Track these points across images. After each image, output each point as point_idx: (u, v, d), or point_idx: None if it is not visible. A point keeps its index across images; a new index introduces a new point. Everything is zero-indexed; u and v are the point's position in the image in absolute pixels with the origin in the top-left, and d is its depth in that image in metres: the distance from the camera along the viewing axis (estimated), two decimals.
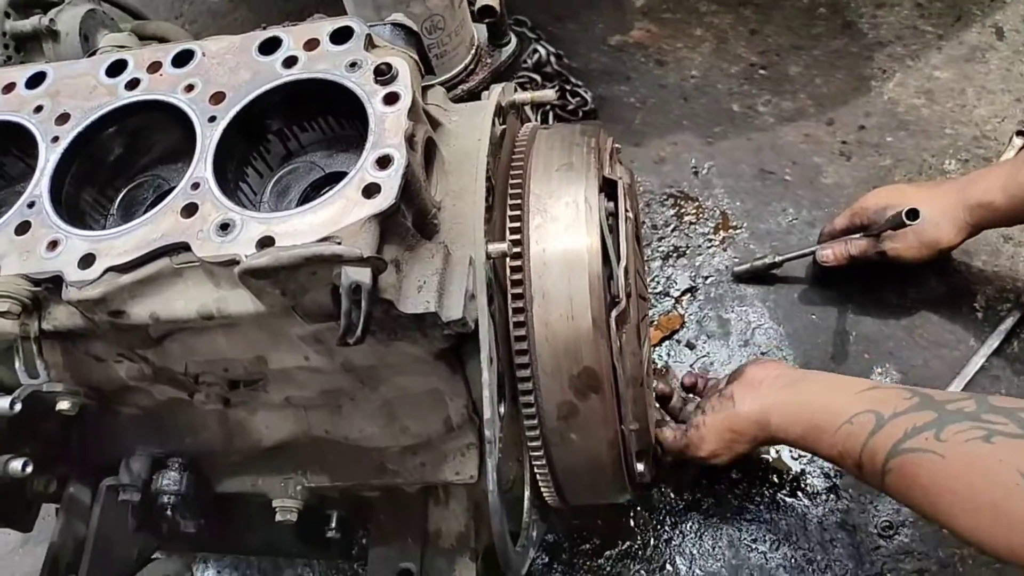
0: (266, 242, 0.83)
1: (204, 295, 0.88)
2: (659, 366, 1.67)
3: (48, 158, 0.96)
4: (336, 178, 1.00)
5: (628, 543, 1.53)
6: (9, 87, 1.03)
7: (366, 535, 1.69)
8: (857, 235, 1.55)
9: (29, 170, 1.09)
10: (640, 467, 1.12)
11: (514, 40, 1.45)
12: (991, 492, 0.85)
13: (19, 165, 1.09)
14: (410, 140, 0.87)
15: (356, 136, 1.03)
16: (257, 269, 0.79)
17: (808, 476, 1.49)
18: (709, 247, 1.80)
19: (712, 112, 1.98)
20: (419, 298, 0.87)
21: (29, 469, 0.95)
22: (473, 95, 1.39)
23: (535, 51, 2.07)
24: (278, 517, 1.19)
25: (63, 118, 0.99)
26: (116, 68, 1.01)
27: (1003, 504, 0.84)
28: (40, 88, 1.02)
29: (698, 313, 1.73)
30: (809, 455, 1.51)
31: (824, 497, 1.48)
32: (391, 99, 0.89)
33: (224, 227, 0.85)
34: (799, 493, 1.48)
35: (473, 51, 1.41)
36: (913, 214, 1.36)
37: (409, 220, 0.89)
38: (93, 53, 1.09)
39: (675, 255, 1.81)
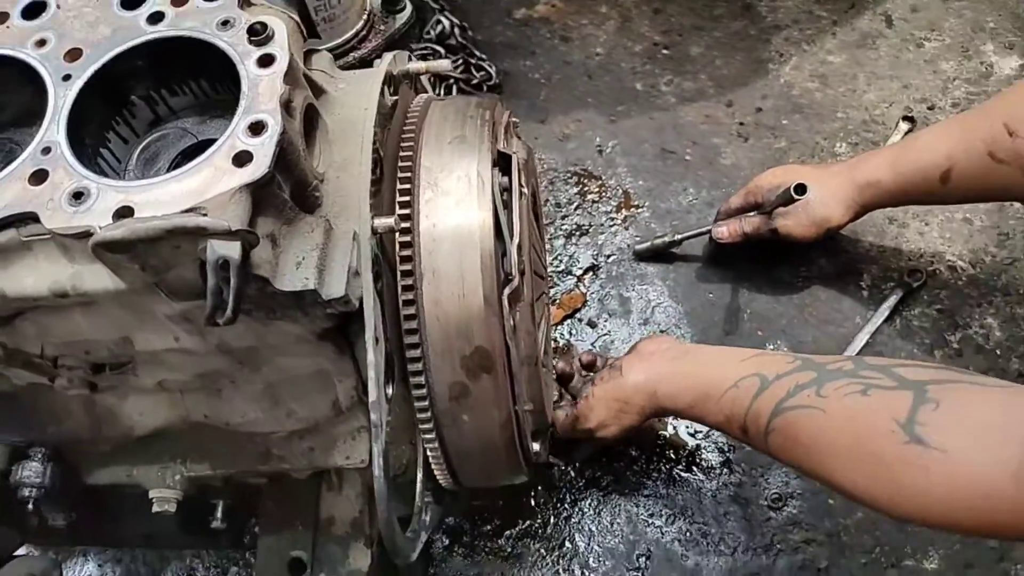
0: (124, 212, 0.76)
1: (57, 271, 0.80)
2: (561, 345, 1.66)
3: None
4: (210, 145, 0.94)
5: (528, 522, 1.53)
6: None
7: (257, 523, 1.64)
8: (751, 213, 1.57)
9: None
10: (536, 447, 1.11)
11: (409, 7, 1.40)
12: (869, 442, 0.87)
13: None
14: (287, 106, 0.82)
15: (231, 101, 0.96)
16: (112, 242, 0.72)
17: (703, 451, 1.52)
18: (611, 226, 1.80)
19: (616, 90, 1.98)
20: (297, 275, 0.82)
21: None
22: (365, 63, 1.34)
23: (439, 22, 2.02)
24: (155, 508, 1.11)
25: None
26: None
27: (881, 452, 0.86)
28: None
29: (600, 292, 1.73)
30: (704, 431, 1.53)
31: (718, 471, 1.51)
32: (266, 61, 0.83)
33: (77, 196, 0.78)
34: (694, 468, 1.51)
35: (365, 17, 1.35)
36: (801, 189, 1.40)
37: (287, 192, 0.83)
38: None
39: (578, 233, 1.80)
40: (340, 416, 1.08)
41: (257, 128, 0.79)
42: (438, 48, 1.97)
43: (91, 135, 0.88)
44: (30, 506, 1.06)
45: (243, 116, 0.80)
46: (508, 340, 0.97)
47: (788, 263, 1.66)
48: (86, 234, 0.76)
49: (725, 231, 1.60)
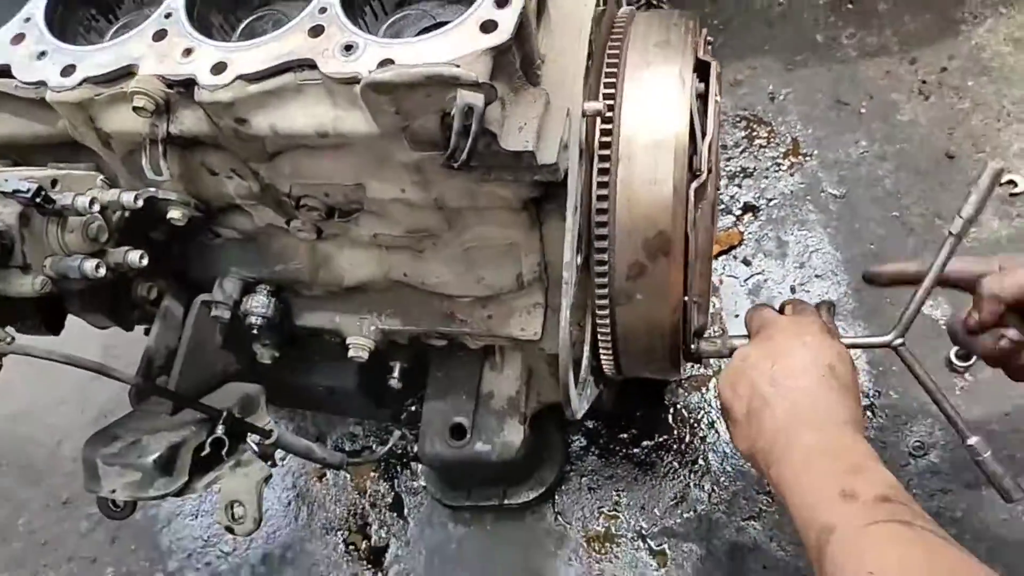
0: (386, 63, 0.89)
1: (322, 113, 0.95)
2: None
3: None
4: (442, 26, 1.06)
5: (664, 436, 1.61)
6: None
7: (415, 402, 1.81)
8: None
9: None
10: (695, 346, 1.19)
11: None
12: None
13: None
14: None
15: None
16: (380, 83, 0.85)
17: None
18: (776, 171, 1.83)
19: (795, 40, 1.98)
20: (519, 137, 0.93)
21: (144, 261, 1.04)
22: None
23: None
24: (351, 353, 1.28)
25: None
26: None
27: None
28: None
29: (757, 232, 1.77)
30: None
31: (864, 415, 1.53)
32: None
33: (348, 48, 0.92)
34: None
35: None
36: None
37: (517, 62, 0.94)
38: None
39: (741, 175, 1.84)
40: (521, 290, 1.20)
41: (502, 2, 0.90)
42: None
43: (351, 9, 1.01)
44: (254, 332, 1.24)
45: None
46: (689, 230, 1.05)
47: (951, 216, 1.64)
48: (354, 80, 0.90)
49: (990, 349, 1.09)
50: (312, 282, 1.23)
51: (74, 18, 1.12)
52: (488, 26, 0.89)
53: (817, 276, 1.69)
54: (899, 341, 1.12)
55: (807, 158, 1.83)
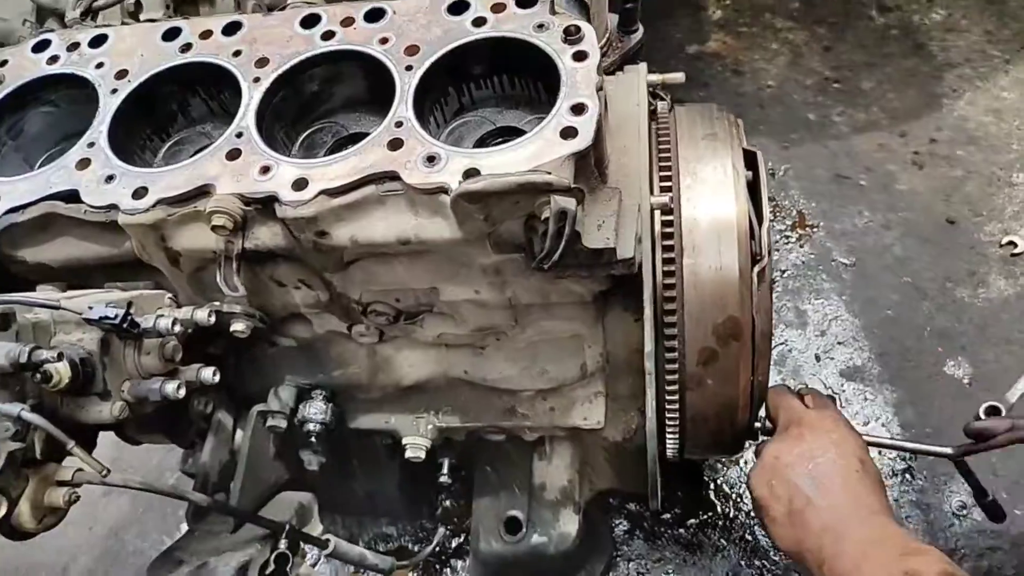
0: (471, 173, 0.91)
1: (403, 222, 0.96)
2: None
3: (252, 95, 1.05)
4: (507, 132, 1.10)
5: (709, 514, 1.61)
6: (206, 34, 1.13)
7: (448, 498, 1.77)
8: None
9: (209, 112, 1.19)
10: (757, 424, 1.20)
11: (641, 29, 1.56)
12: None
13: (202, 108, 1.18)
14: (599, 91, 0.97)
15: (525, 96, 1.13)
16: (474, 192, 0.88)
17: (885, 456, 1.57)
18: (786, 243, 1.89)
19: (788, 120, 2.09)
20: (599, 235, 0.95)
21: (217, 377, 1.03)
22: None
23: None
24: (408, 454, 1.26)
25: (262, 61, 1.08)
26: (310, 21, 1.11)
27: None
28: (236, 36, 1.12)
29: (776, 303, 1.81)
30: (887, 438, 1.58)
31: (899, 478, 1.56)
32: (580, 56, 0.98)
33: (431, 159, 0.94)
34: None
35: (606, 36, 1.52)
36: None
37: (591, 164, 0.98)
38: (284, 7, 1.18)
39: None
40: (583, 380, 1.21)
41: (579, 109, 0.94)
42: None
43: (423, 116, 1.04)
44: (312, 438, 1.22)
45: (565, 99, 0.95)
46: (754, 313, 1.08)
47: (967, 283, 1.71)
48: (440, 190, 0.92)
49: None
50: (370, 385, 1.23)
51: (130, 139, 1.13)
52: (568, 132, 0.93)
53: (839, 343, 1.74)
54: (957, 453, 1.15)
55: (814, 229, 1.90)
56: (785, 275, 1.85)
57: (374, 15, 1.09)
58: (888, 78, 2.11)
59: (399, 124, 0.98)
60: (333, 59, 1.08)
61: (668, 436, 1.20)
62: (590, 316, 1.12)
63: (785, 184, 1.98)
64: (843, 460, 1.03)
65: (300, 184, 0.96)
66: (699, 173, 1.12)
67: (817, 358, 1.73)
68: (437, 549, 1.69)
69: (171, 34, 1.15)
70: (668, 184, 1.11)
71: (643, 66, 1.22)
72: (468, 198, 0.88)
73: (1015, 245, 1.75)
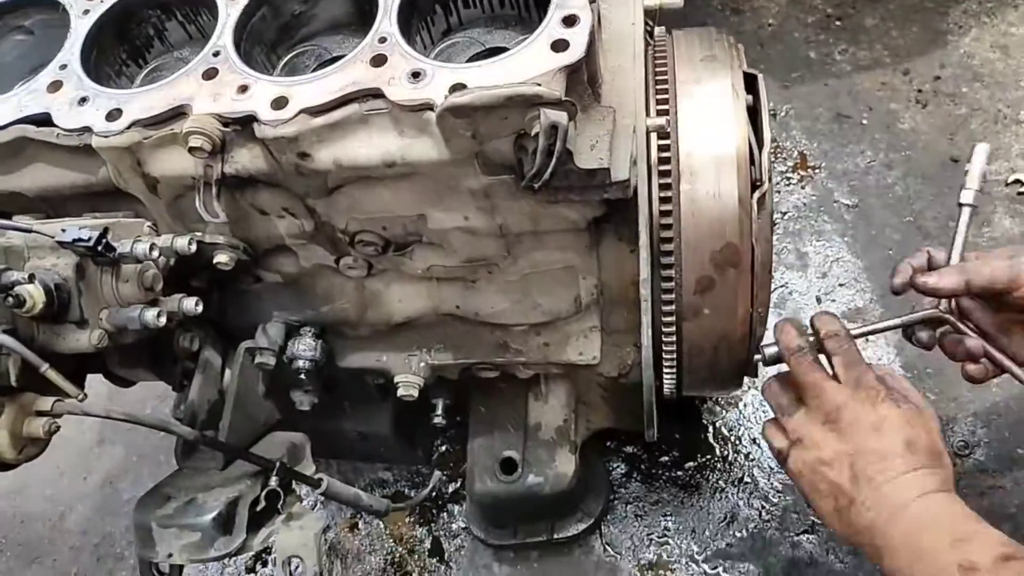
0: (458, 88, 0.87)
1: (388, 143, 0.92)
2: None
3: (229, 13, 1.01)
4: (495, 52, 1.05)
5: (707, 456, 1.59)
6: None
7: (445, 442, 1.76)
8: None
9: (188, 38, 1.15)
10: (757, 356, 1.17)
11: None
12: None
13: (180, 32, 1.13)
14: (592, 3, 0.92)
15: (513, 16, 1.08)
16: (460, 106, 0.84)
17: None
18: (788, 185, 1.85)
19: (788, 59, 2.03)
20: (592, 155, 0.91)
21: (200, 308, 1.00)
22: None
23: None
24: (400, 392, 1.24)
25: None
26: None
27: None
28: None
29: (776, 245, 1.77)
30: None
31: None
32: None
33: (416, 75, 0.90)
34: None
35: None
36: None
37: (585, 80, 0.93)
38: None
39: None
40: (577, 314, 1.17)
41: (571, 20, 0.89)
42: None
43: (410, 33, 1.00)
44: (301, 376, 1.20)
45: (556, 10, 0.90)
46: (754, 241, 1.05)
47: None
48: (426, 106, 0.88)
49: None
50: (359, 321, 1.20)
51: (105, 63, 1.08)
52: (559, 45, 0.88)
53: (841, 285, 1.70)
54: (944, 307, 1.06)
55: (816, 171, 1.86)
56: (786, 217, 1.81)
57: None
58: (891, 14, 2.05)
59: (382, 40, 0.94)
60: None
61: (665, 371, 1.17)
62: (583, 245, 1.08)
63: (786, 125, 1.93)
64: (888, 448, 0.94)
65: (280, 103, 0.91)
66: (697, 96, 1.07)
67: (818, 300, 1.70)
68: (433, 494, 1.68)
69: None
70: (665, 107, 1.07)
71: None
72: (455, 112, 0.84)
73: (1021, 183, 1.71)
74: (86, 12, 1.06)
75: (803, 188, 1.83)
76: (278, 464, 1.11)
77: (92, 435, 1.96)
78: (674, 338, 1.11)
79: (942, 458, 0.95)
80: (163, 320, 0.92)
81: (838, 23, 2.07)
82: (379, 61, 0.92)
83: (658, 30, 1.23)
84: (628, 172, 0.93)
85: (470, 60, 1.06)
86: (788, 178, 1.86)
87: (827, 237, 1.76)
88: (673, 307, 1.08)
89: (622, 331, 1.20)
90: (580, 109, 0.94)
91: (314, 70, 1.09)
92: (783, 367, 1.02)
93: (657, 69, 1.10)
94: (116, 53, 1.10)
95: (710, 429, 1.61)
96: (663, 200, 1.04)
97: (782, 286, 1.73)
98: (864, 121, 1.89)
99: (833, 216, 1.78)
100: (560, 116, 0.83)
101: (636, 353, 1.21)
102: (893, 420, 0.95)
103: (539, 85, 0.84)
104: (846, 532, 0.96)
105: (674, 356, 1.13)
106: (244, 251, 1.07)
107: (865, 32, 2.04)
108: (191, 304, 0.99)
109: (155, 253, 0.90)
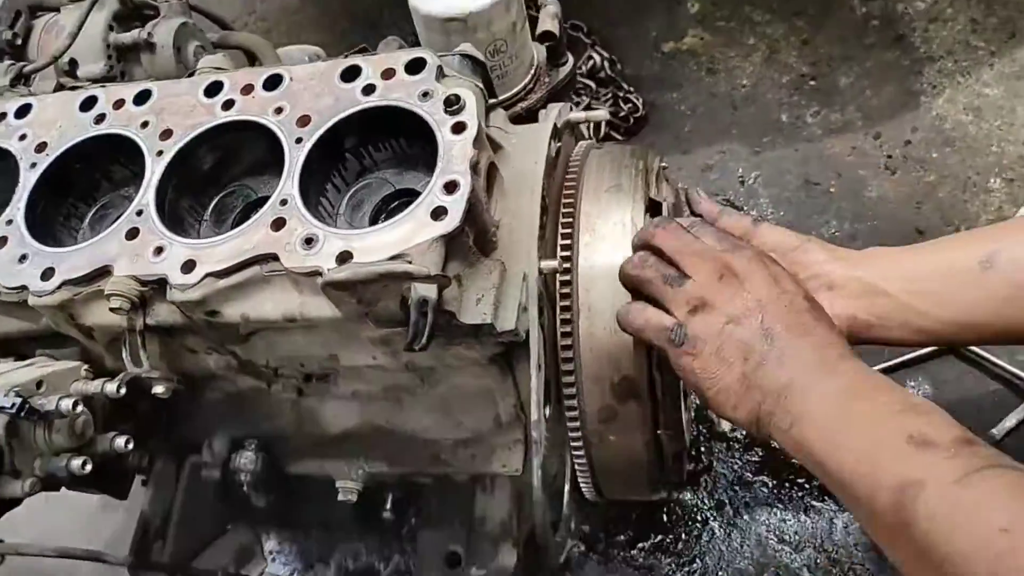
0: (345, 256, 0.93)
1: (289, 300, 0.99)
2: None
3: (154, 170, 1.08)
4: (406, 194, 1.11)
5: (660, 536, 1.62)
6: (119, 103, 1.16)
7: (416, 517, 1.83)
8: None
9: (132, 176, 1.23)
10: (673, 471, 1.21)
11: (571, 60, 1.53)
12: None
13: (123, 171, 1.22)
14: (474, 167, 0.97)
15: (424, 156, 1.13)
16: (338, 282, 0.89)
17: None
18: None
19: (760, 122, 2.03)
20: (477, 310, 0.97)
21: (130, 446, 1.08)
22: (531, 112, 1.48)
23: (590, 57, 2.15)
24: (340, 497, 1.30)
25: (167, 134, 1.10)
26: (213, 89, 1.12)
27: None
28: (146, 105, 1.14)
29: None
30: None
31: None
32: (458, 128, 0.99)
33: (309, 241, 0.96)
34: (827, 497, 1.55)
35: (533, 71, 1.50)
36: None
37: (471, 239, 0.98)
38: (192, 73, 1.21)
39: None
40: (500, 429, 1.23)
41: (451, 187, 0.94)
42: (589, 83, 2.11)
43: (314, 187, 1.06)
44: (244, 488, 1.28)
45: (440, 176, 0.96)
46: (654, 371, 1.08)
47: None
48: (315, 273, 0.94)
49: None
50: (298, 435, 1.27)
51: (55, 211, 1.17)
52: (439, 212, 0.93)
53: None
54: None
55: None
56: None
57: (272, 82, 1.11)
58: (866, 73, 2.03)
59: (284, 202, 1.00)
60: (230, 130, 1.10)
61: (582, 484, 1.22)
62: (496, 373, 1.13)
63: (754, 192, 1.94)
64: (791, 299, 0.87)
65: (188, 266, 0.99)
66: (598, 229, 1.11)
67: None
68: (402, 570, 1.75)
69: (87, 104, 1.17)
70: (568, 242, 1.11)
71: (553, 111, 1.21)
72: (334, 286, 0.90)
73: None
74: (33, 166, 1.15)
75: None
76: (220, 574, 1.20)
77: (95, 500, 2.08)
78: (584, 460, 1.15)
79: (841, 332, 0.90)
80: (88, 467, 1.00)
81: (812, 83, 2.07)
82: (279, 225, 0.98)
83: (580, 148, 1.27)
84: (514, 322, 0.98)
85: (381, 201, 1.12)
86: None
87: None
88: (580, 433, 1.13)
89: (547, 443, 1.24)
90: (468, 265, 0.99)
91: (241, 210, 1.18)
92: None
93: (565, 201, 1.14)
94: (63, 200, 1.18)
95: (665, 508, 1.65)
96: (564, 335, 1.09)
97: None
98: (832, 188, 1.89)
99: None
100: (430, 290, 0.89)
101: (560, 463, 1.26)
102: (786, 273, 0.92)
103: (409, 262, 0.89)
104: (751, 403, 0.86)
105: (587, 474, 1.18)
106: (179, 381, 1.15)
107: (839, 93, 2.03)
108: (121, 443, 1.07)
109: (79, 408, 0.99)
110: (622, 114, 2.09)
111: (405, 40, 1.34)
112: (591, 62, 2.14)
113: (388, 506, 1.44)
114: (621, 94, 2.12)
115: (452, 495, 1.48)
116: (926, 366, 1.59)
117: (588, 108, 2.07)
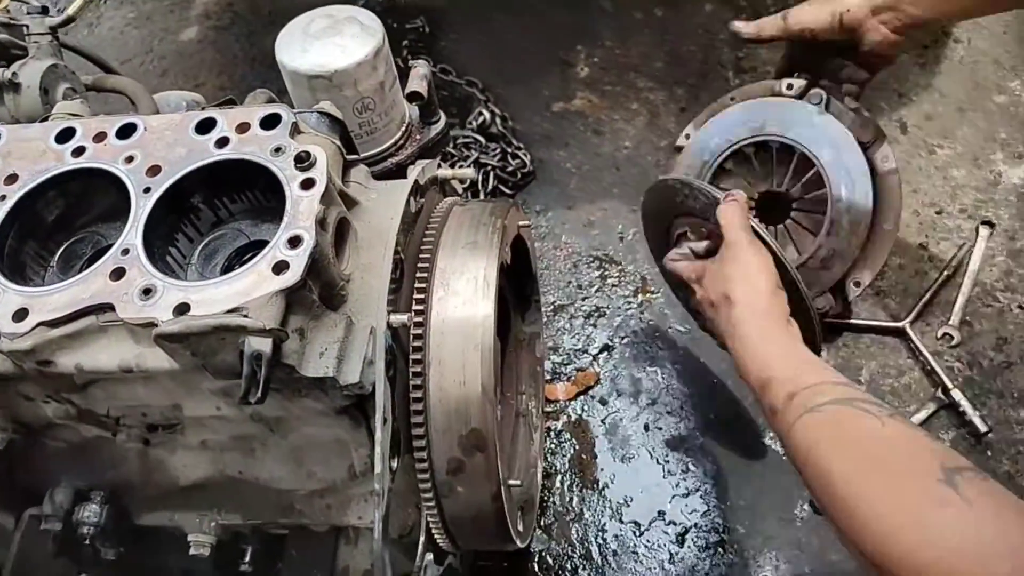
0: (182, 308, 0.93)
1: (125, 351, 0.98)
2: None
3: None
4: (260, 245, 1.12)
5: None
6: None
7: (279, 569, 1.78)
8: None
9: None
10: (521, 523, 1.23)
11: (443, 119, 1.58)
12: (912, 461, 0.87)
13: None
14: (321, 222, 0.99)
15: (280, 209, 1.14)
16: (170, 334, 0.89)
17: (700, 530, 1.61)
18: (628, 309, 1.93)
19: (640, 182, 2.12)
20: (320, 363, 0.98)
21: None
22: (401, 167, 1.52)
23: (480, 113, 2.22)
24: (192, 551, 1.27)
25: (11, 178, 1.09)
26: (65, 135, 1.12)
27: (919, 474, 0.84)
28: None
29: (613, 372, 1.85)
30: (701, 510, 1.62)
31: (712, 551, 1.60)
32: (307, 184, 1.01)
33: (147, 292, 0.95)
34: (689, 544, 1.60)
35: (404, 128, 1.54)
36: None
37: (316, 293, 0.99)
38: (47, 118, 1.19)
39: (596, 315, 1.94)
40: (355, 480, 1.22)
41: (295, 242, 0.96)
42: (479, 137, 2.17)
43: (161, 237, 1.06)
44: (87, 542, 1.23)
45: (284, 231, 0.97)
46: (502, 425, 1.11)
47: None
48: (151, 324, 0.93)
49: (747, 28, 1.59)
50: (146, 486, 1.23)
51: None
52: (280, 267, 0.95)
53: (668, 413, 1.77)
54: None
55: (655, 295, 1.94)
56: (624, 342, 1.89)
57: (126, 131, 1.11)
58: None
59: (126, 251, 1.00)
60: (78, 177, 1.09)
61: (435, 534, 1.22)
62: (348, 424, 1.13)
63: (632, 248, 2.02)
64: (768, 277, 1.23)
65: (20, 315, 0.97)
66: (452, 284, 1.14)
67: (646, 427, 1.77)
68: None
69: None
70: (423, 296, 1.14)
71: (416, 169, 1.24)
72: (167, 338, 0.90)
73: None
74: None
75: (643, 314, 1.92)
76: None
77: None
78: (435, 511, 1.16)
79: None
80: None
81: None
82: (118, 274, 0.98)
83: (443, 205, 1.30)
84: (359, 375, 1.00)
85: (235, 252, 1.12)
86: (629, 303, 1.94)
87: (660, 364, 1.84)
88: (430, 484, 1.14)
89: (403, 493, 1.25)
90: (312, 318, 1.00)
91: (90, 257, 1.16)
92: None
93: (421, 258, 1.17)
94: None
95: (536, 559, 1.66)
96: (415, 387, 1.11)
97: (615, 412, 1.80)
98: None
99: (666, 343, 1.86)
100: (264, 344, 0.89)
101: (416, 514, 1.26)
102: (773, 268, 1.25)
103: (245, 315, 0.90)
104: (718, 323, 1.27)
105: (440, 525, 1.19)
106: (14, 431, 1.11)
107: None
108: None
109: None
110: (510, 169, 2.16)
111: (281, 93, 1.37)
112: (481, 118, 2.20)
113: (247, 559, 1.41)
114: (510, 150, 2.19)
115: (316, 547, 1.46)
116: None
117: (477, 162, 2.13)
